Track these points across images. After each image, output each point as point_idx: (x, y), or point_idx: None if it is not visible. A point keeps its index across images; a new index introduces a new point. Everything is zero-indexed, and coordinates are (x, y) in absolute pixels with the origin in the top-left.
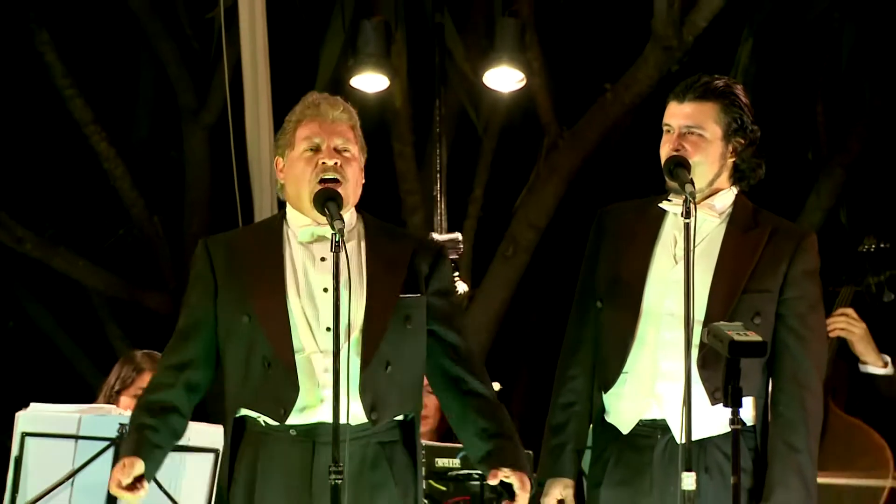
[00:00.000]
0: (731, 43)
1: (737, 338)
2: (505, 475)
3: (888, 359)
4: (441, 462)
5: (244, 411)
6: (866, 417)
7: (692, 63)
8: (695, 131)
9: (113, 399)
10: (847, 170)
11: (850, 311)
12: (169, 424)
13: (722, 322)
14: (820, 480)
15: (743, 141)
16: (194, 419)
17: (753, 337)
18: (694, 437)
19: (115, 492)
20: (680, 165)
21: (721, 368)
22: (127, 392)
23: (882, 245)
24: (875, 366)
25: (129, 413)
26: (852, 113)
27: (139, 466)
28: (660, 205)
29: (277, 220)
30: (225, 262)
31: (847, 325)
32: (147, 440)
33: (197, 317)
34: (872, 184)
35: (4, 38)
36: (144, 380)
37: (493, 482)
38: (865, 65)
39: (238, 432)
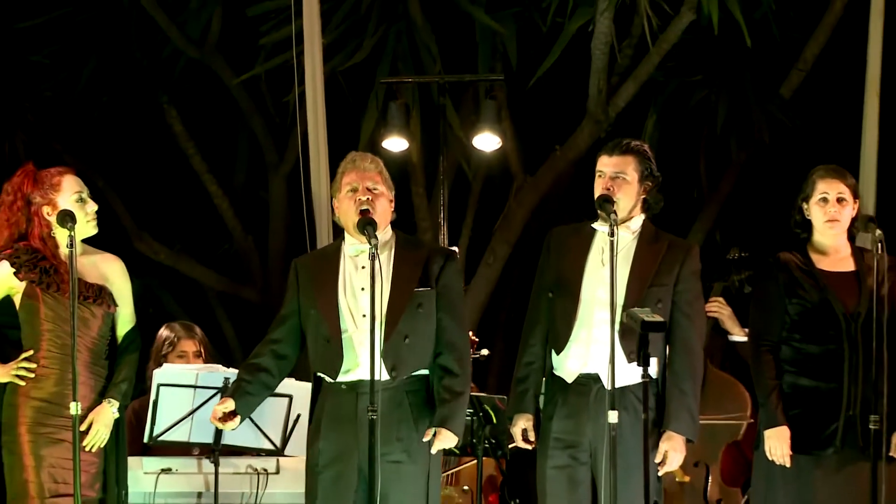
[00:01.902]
0: (641, 117)
1: (646, 318)
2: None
3: (747, 331)
4: None
5: (318, 373)
6: (732, 372)
7: (614, 131)
8: (620, 175)
9: (162, 360)
10: (720, 204)
11: (720, 299)
12: (260, 379)
13: (636, 307)
14: (701, 421)
15: (651, 183)
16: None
17: (658, 318)
18: (617, 385)
19: (213, 421)
20: (606, 201)
21: (635, 338)
22: (171, 354)
23: (742, 254)
24: (738, 336)
25: (231, 371)
26: (724, 165)
27: (230, 404)
28: (592, 225)
29: (338, 243)
30: (304, 274)
31: (719, 308)
32: (241, 389)
33: (287, 310)
34: (737, 214)
35: (145, 115)
36: (182, 344)
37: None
38: (733, 132)
39: (317, 386)
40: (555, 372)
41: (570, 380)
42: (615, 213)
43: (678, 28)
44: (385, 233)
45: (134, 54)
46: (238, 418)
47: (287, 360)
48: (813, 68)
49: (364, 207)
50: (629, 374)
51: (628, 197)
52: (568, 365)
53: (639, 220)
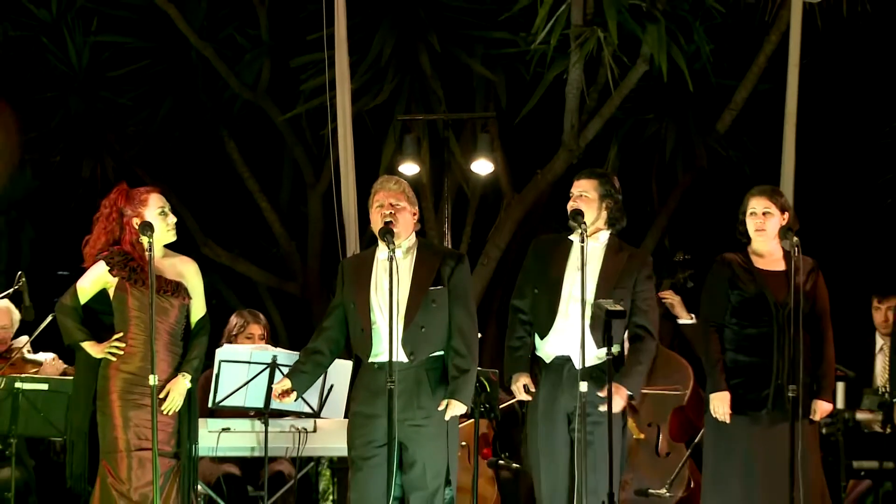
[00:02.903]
0: (605, 147)
1: (610, 308)
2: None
3: (693, 315)
4: None
5: (356, 354)
6: (679, 351)
7: (584, 158)
8: (584, 195)
9: (232, 340)
10: (669, 217)
11: (670, 291)
12: (313, 360)
13: (601, 300)
14: (652, 391)
15: (611, 201)
16: None
17: (619, 307)
18: (588, 364)
19: (275, 399)
20: (578, 213)
21: (601, 327)
22: (241, 335)
23: (686, 257)
24: (685, 319)
25: (279, 350)
26: (671, 185)
27: (286, 383)
28: (569, 238)
29: (374, 248)
30: (348, 274)
31: (670, 297)
32: (297, 370)
33: (335, 304)
34: (682, 225)
35: (209, 145)
36: (250, 328)
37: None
38: (678, 159)
39: (357, 362)
40: (536, 353)
41: (548, 360)
42: (584, 223)
43: (635, 76)
44: (409, 240)
45: (200, 97)
46: (295, 394)
47: (337, 343)
48: (742, 109)
49: (387, 220)
50: (595, 355)
51: (591, 211)
52: (547, 349)
53: (605, 234)
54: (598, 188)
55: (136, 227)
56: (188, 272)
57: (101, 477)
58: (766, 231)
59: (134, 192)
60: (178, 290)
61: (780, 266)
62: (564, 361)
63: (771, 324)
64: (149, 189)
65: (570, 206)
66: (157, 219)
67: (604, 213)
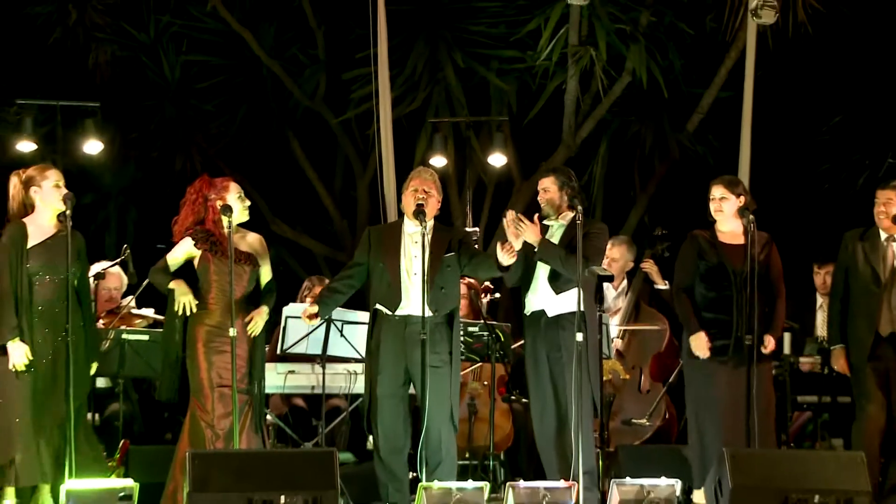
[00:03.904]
0: (596, 143)
1: (601, 273)
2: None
3: (667, 282)
4: (468, 329)
5: (377, 306)
6: (657, 308)
7: (580, 153)
8: (546, 189)
9: (303, 300)
10: (648, 199)
11: (650, 261)
12: (334, 298)
13: (594, 266)
14: (640, 328)
15: (569, 189)
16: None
17: (609, 272)
18: (555, 313)
19: (303, 318)
20: (573, 198)
21: (559, 282)
22: (311, 295)
23: (663, 231)
24: (660, 285)
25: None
26: (650, 174)
27: (314, 308)
28: (544, 222)
29: (400, 222)
30: (375, 238)
31: (650, 266)
32: (323, 301)
33: (357, 261)
34: (659, 206)
35: (277, 143)
36: (314, 290)
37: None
38: (655, 152)
39: (374, 315)
40: (524, 311)
41: (529, 314)
42: (579, 207)
43: (620, 86)
44: (431, 221)
45: (269, 104)
46: (318, 318)
47: (354, 288)
48: (708, 112)
49: (420, 202)
50: (561, 305)
51: (552, 200)
52: (529, 306)
53: (570, 214)
54: (556, 181)
55: (219, 209)
56: (257, 245)
57: (190, 411)
58: (722, 212)
59: (216, 181)
60: (249, 259)
61: (741, 240)
62: (540, 314)
63: (730, 288)
64: (227, 178)
65: (539, 198)
66: (237, 202)
67: (566, 200)
